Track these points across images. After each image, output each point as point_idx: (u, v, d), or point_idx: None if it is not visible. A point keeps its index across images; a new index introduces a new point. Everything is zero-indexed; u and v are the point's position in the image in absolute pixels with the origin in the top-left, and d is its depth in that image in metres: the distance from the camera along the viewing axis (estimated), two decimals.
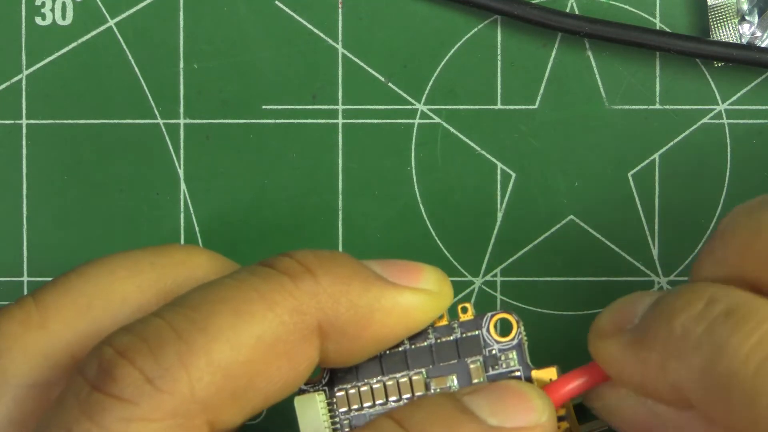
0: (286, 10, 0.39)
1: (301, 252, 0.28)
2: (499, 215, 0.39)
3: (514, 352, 0.30)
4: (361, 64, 0.39)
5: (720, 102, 0.38)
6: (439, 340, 0.31)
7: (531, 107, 0.39)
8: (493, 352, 0.30)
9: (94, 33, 0.39)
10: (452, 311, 0.31)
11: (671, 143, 0.39)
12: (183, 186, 0.39)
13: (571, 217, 0.39)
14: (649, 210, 0.39)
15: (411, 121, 0.39)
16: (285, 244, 0.39)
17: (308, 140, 0.39)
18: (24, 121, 0.39)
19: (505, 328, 0.30)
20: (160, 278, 0.28)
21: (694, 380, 0.25)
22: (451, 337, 0.31)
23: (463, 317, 0.31)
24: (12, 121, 0.39)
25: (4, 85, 0.39)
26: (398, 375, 0.30)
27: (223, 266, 0.30)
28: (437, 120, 0.39)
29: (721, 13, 0.38)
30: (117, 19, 0.39)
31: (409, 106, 0.39)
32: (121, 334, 0.25)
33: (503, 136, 0.39)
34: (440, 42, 0.39)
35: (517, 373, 0.30)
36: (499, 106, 0.39)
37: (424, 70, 0.39)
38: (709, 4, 0.38)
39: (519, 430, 0.27)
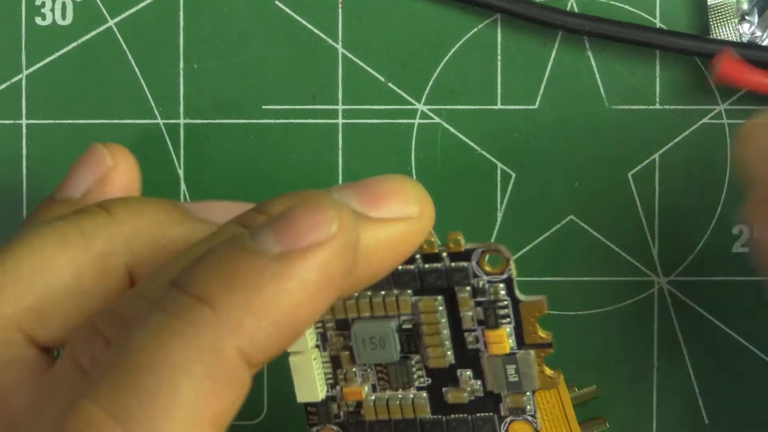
0: (286, 10, 0.39)
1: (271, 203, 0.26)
2: (499, 215, 0.39)
3: (503, 285, 0.31)
4: (361, 64, 0.39)
5: (720, 102, 0.38)
6: (426, 266, 0.31)
7: (531, 107, 0.39)
8: (481, 283, 0.31)
9: (94, 33, 0.39)
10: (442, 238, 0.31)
11: (671, 143, 0.39)
12: (183, 186, 0.39)
13: (571, 217, 0.39)
14: (649, 210, 0.39)
15: (411, 121, 0.39)
16: None
17: (308, 140, 0.39)
18: (24, 121, 0.39)
19: (494, 264, 0.31)
20: (89, 245, 0.28)
21: None
22: (439, 265, 0.31)
23: (453, 248, 0.31)
24: (12, 121, 0.39)
25: (4, 85, 0.39)
26: (384, 293, 0.31)
27: (152, 216, 0.29)
28: (437, 120, 0.39)
29: (721, 12, 0.38)
30: (117, 19, 0.39)
31: (409, 106, 0.39)
32: None
33: (503, 136, 0.39)
34: (440, 42, 0.39)
35: (505, 303, 0.30)
36: (499, 106, 0.39)
37: (424, 70, 0.39)
38: (709, 3, 0.38)
39: (306, 251, 0.23)
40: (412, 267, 0.32)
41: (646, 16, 0.39)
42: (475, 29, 0.39)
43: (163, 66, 0.39)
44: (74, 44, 0.39)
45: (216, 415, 0.23)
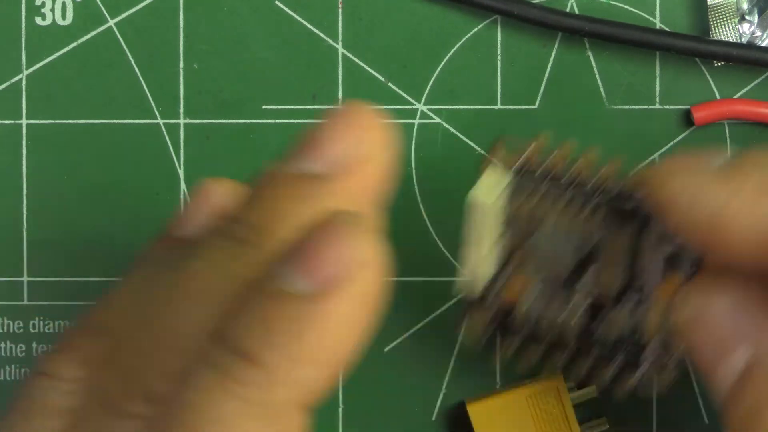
0: (286, 10, 0.39)
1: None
2: None
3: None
4: (361, 64, 0.39)
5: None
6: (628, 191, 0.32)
7: (531, 107, 0.39)
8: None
9: (94, 33, 0.39)
10: None
11: (671, 143, 0.39)
12: (183, 186, 0.39)
13: None
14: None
15: (411, 121, 0.39)
16: None
17: None
18: (24, 121, 0.39)
19: None
20: None
21: None
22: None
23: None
24: (12, 121, 0.39)
25: (4, 85, 0.39)
26: (579, 206, 0.32)
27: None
28: (437, 120, 0.39)
29: (721, 12, 0.38)
30: (117, 19, 0.39)
31: (409, 106, 0.39)
32: None
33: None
34: (440, 42, 0.39)
35: (690, 252, 0.31)
36: (499, 106, 0.39)
37: (424, 70, 0.39)
38: (709, 3, 0.38)
39: (340, 287, 0.23)
40: (614, 187, 0.32)
41: (646, 16, 0.39)
42: (475, 29, 0.39)
43: (163, 66, 0.39)
44: (74, 44, 0.39)
45: None
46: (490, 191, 0.32)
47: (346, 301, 0.23)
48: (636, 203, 0.32)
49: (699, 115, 0.38)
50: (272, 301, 0.23)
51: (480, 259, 0.33)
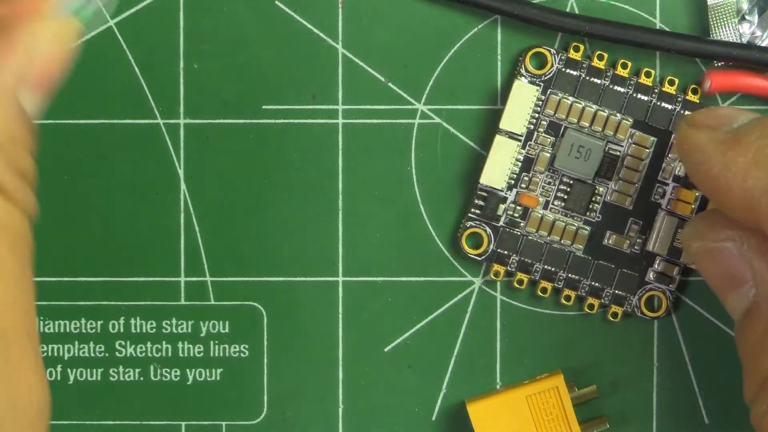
0: (286, 10, 0.39)
1: None
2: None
3: None
4: (361, 64, 0.39)
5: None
6: (658, 102, 0.37)
7: None
8: None
9: (94, 33, 0.39)
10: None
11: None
12: (183, 186, 0.39)
13: None
14: None
15: (411, 121, 0.39)
16: (285, 244, 0.39)
17: (308, 140, 0.39)
18: None
19: None
20: None
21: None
22: (670, 107, 0.37)
23: (690, 96, 0.37)
24: None
25: None
26: (608, 113, 0.37)
27: None
28: (437, 120, 0.39)
29: (721, 12, 0.38)
30: (117, 19, 0.39)
31: (409, 106, 0.39)
32: None
33: None
34: (440, 42, 0.39)
35: None
36: (499, 106, 0.39)
37: (424, 70, 0.39)
38: (709, 3, 0.38)
39: None
40: (645, 98, 0.37)
41: (646, 16, 0.39)
42: (475, 29, 0.39)
43: (163, 66, 0.39)
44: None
45: None
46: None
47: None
48: (667, 114, 0.36)
49: (715, 80, 0.37)
50: None
51: (499, 175, 0.36)
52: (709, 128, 0.30)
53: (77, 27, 0.29)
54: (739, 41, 0.37)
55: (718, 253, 0.31)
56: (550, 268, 0.37)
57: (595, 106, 0.37)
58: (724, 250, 0.30)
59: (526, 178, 0.37)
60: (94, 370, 0.39)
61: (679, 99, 0.37)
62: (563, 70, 0.37)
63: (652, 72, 0.38)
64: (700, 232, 0.31)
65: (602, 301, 0.37)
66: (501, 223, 0.37)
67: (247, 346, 0.39)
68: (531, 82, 0.38)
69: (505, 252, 0.37)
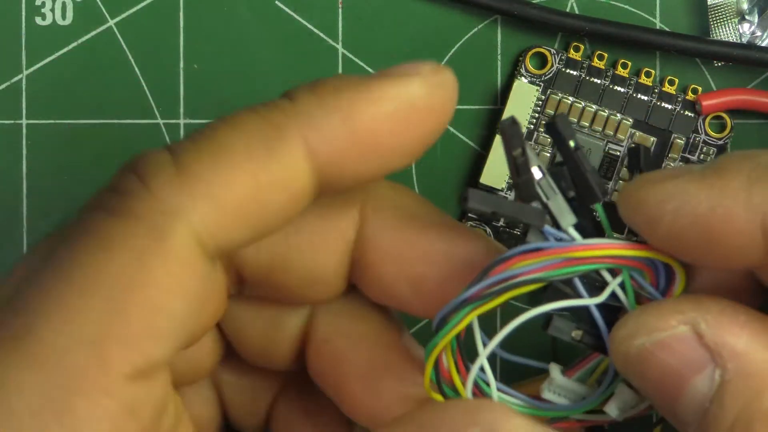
0: (286, 10, 0.39)
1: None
2: None
3: (716, 150, 0.36)
4: (361, 64, 0.39)
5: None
6: (657, 102, 0.36)
7: None
8: (698, 140, 0.36)
9: (94, 33, 0.39)
10: None
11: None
12: None
13: None
14: None
15: None
16: None
17: None
18: (24, 121, 0.39)
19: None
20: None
21: None
22: (669, 106, 0.36)
23: (689, 96, 0.37)
24: (12, 121, 0.39)
25: (4, 85, 0.39)
26: (608, 112, 0.36)
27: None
28: None
29: (721, 12, 0.38)
30: (117, 19, 0.39)
31: None
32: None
33: None
34: (440, 42, 0.39)
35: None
36: (499, 106, 0.39)
37: None
38: (709, 3, 0.38)
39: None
40: (645, 98, 0.36)
41: (646, 16, 0.39)
42: (475, 29, 0.39)
43: (163, 66, 0.39)
44: (74, 44, 0.39)
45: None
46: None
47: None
48: (666, 114, 0.36)
49: (706, 103, 0.38)
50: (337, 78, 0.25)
51: (498, 174, 0.35)
52: (674, 176, 0.25)
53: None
54: (739, 41, 0.37)
55: (673, 341, 0.26)
56: None
57: (595, 106, 0.37)
58: (681, 336, 0.26)
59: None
60: None
61: (679, 99, 0.37)
62: (563, 70, 0.37)
63: (652, 72, 0.38)
64: (644, 325, 0.26)
65: None
66: (501, 223, 0.37)
67: None
68: (531, 82, 0.38)
69: None
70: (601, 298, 0.25)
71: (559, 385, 0.27)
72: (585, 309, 0.25)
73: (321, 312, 0.29)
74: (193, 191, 0.24)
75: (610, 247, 0.25)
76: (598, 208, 0.26)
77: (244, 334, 0.29)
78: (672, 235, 0.25)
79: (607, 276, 0.25)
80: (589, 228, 0.25)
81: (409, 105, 0.25)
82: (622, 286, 0.26)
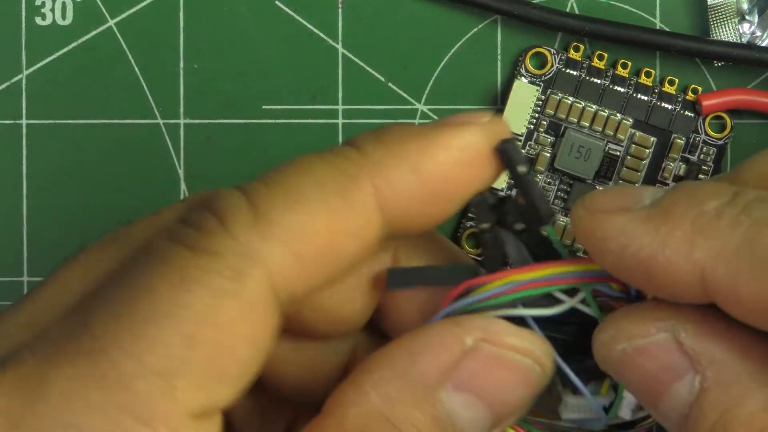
0: (286, 10, 0.39)
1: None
2: None
3: (715, 150, 0.36)
4: (361, 64, 0.39)
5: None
6: (657, 102, 0.36)
7: None
8: (698, 140, 0.36)
9: (94, 33, 0.39)
10: None
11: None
12: (183, 186, 0.39)
13: None
14: None
15: (411, 121, 0.39)
16: None
17: (308, 140, 0.39)
18: (24, 121, 0.39)
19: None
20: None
21: (726, 259, 0.24)
22: (670, 107, 0.36)
23: (689, 96, 0.37)
24: (12, 121, 0.39)
25: (4, 85, 0.39)
26: (608, 113, 0.36)
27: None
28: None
29: (721, 12, 0.38)
30: (117, 19, 0.39)
31: (409, 106, 0.39)
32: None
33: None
34: (440, 42, 0.39)
35: (708, 168, 0.35)
36: (499, 106, 0.39)
37: (424, 70, 0.39)
38: (709, 3, 0.38)
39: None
40: (645, 98, 0.36)
41: (646, 16, 0.39)
42: (475, 29, 0.39)
43: (163, 66, 0.39)
44: (74, 44, 0.39)
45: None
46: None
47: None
48: (667, 114, 0.36)
49: (706, 103, 0.37)
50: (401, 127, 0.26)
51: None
52: (621, 210, 0.26)
53: None
54: (739, 41, 0.37)
55: (653, 348, 0.26)
56: None
57: (595, 106, 0.37)
58: (660, 343, 0.26)
59: None
60: None
61: (679, 99, 0.37)
62: (563, 70, 0.37)
63: (652, 72, 0.38)
64: (624, 331, 0.26)
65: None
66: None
67: None
68: (531, 82, 0.38)
69: None
70: (557, 309, 0.26)
71: (575, 405, 0.27)
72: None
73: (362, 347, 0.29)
74: (271, 237, 0.24)
75: (556, 266, 0.25)
76: (550, 231, 0.26)
77: (280, 370, 0.29)
78: (618, 268, 0.25)
79: (561, 296, 0.26)
80: (540, 253, 0.26)
81: (473, 151, 0.26)
82: (584, 301, 0.26)
